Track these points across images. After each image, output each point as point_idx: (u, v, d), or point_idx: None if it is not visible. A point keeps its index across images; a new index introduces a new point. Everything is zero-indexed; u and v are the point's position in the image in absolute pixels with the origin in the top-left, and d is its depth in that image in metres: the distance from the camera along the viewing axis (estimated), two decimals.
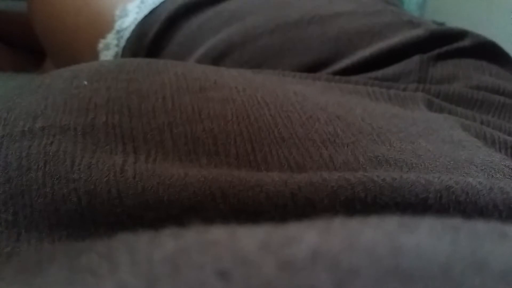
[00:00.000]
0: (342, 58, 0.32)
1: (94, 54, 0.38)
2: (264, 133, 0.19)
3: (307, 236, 0.09)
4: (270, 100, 0.21)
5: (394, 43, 0.31)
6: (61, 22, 0.41)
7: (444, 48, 0.32)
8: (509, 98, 0.29)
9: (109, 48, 0.37)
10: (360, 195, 0.16)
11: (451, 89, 0.29)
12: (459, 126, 0.24)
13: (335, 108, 0.22)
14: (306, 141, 0.19)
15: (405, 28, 0.33)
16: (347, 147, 0.20)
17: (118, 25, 0.37)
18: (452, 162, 0.19)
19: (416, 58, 0.31)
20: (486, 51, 0.33)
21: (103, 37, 0.37)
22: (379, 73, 0.30)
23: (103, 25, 0.38)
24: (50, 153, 0.17)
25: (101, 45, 0.37)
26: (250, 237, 0.09)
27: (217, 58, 0.34)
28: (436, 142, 0.21)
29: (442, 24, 0.40)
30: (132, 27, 0.36)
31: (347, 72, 0.31)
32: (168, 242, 0.09)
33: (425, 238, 0.09)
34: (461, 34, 0.33)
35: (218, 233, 0.09)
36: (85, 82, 0.21)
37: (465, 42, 0.33)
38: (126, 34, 0.37)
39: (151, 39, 0.36)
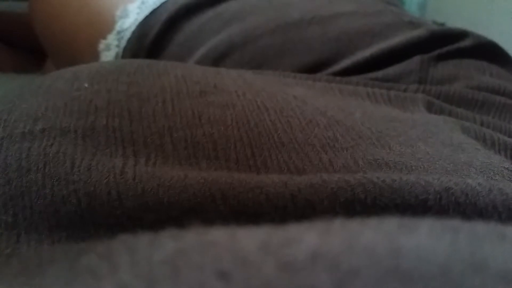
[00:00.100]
0: (342, 59, 0.32)
1: (94, 55, 0.38)
2: (264, 138, 0.20)
3: (307, 237, 0.09)
4: (270, 105, 0.21)
5: (395, 44, 0.31)
6: (61, 22, 0.41)
7: (445, 49, 0.32)
8: (510, 99, 0.29)
9: (110, 48, 0.37)
10: (359, 196, 0.16)
11: (452, 89, 0.29)
12: (458, 129, 0.24)
13: (335, 112, 0.22)
14: (306, 146, 0.20)
15: (406, 28, 0.33)
16: (347, 151, 0.20)
17: (118, 25, 0.37)
18: (451, 165, 0.19)
19: (416, 59, 0.31)
20: (487, 51, 0.33)
21: (104, 37, 0.37)
22: (380, 73, 0.30)
23: (104, 26, 0.38)
24: (50, 155, 0.17)
25: (101, 45, 0.37)
26: (250, 238, 0.09)
27: (218, 58, 0.34)
28: (436, 145, 0.21)
29: (442, 24, 0.40)
30: (133, 27, 0.36)
31: (347, 72, 0.31)
32: (168, 243, 0.09)
33: (424, 239, 0.09)
34: (461, 35, 0.33)
35: (218, 234, 0.09)
36: (86, 84, 0.21)
37: (466, 43, 0.33)
38: (127, 34, 0.37)
39: (152, 40, 0.36)
